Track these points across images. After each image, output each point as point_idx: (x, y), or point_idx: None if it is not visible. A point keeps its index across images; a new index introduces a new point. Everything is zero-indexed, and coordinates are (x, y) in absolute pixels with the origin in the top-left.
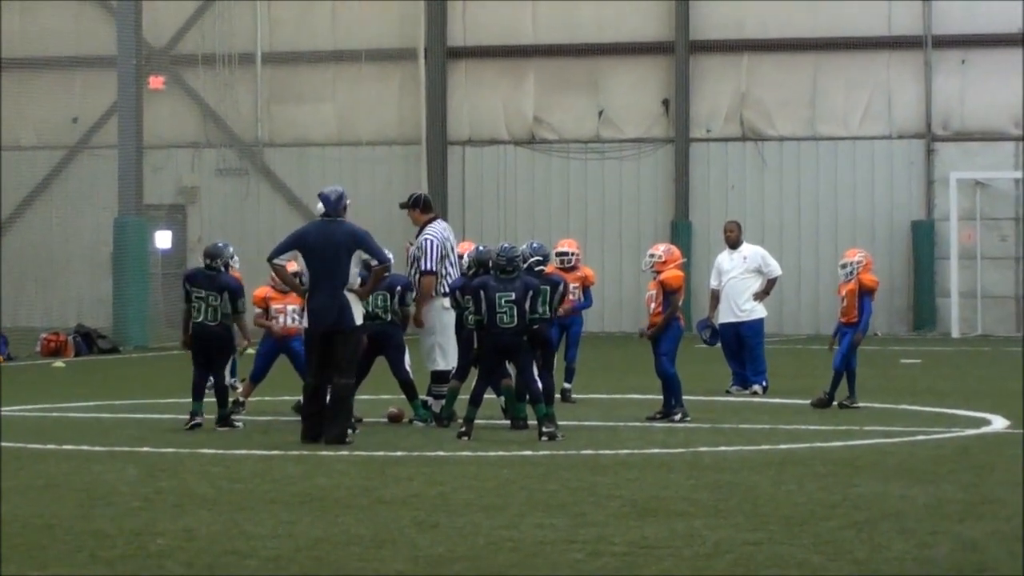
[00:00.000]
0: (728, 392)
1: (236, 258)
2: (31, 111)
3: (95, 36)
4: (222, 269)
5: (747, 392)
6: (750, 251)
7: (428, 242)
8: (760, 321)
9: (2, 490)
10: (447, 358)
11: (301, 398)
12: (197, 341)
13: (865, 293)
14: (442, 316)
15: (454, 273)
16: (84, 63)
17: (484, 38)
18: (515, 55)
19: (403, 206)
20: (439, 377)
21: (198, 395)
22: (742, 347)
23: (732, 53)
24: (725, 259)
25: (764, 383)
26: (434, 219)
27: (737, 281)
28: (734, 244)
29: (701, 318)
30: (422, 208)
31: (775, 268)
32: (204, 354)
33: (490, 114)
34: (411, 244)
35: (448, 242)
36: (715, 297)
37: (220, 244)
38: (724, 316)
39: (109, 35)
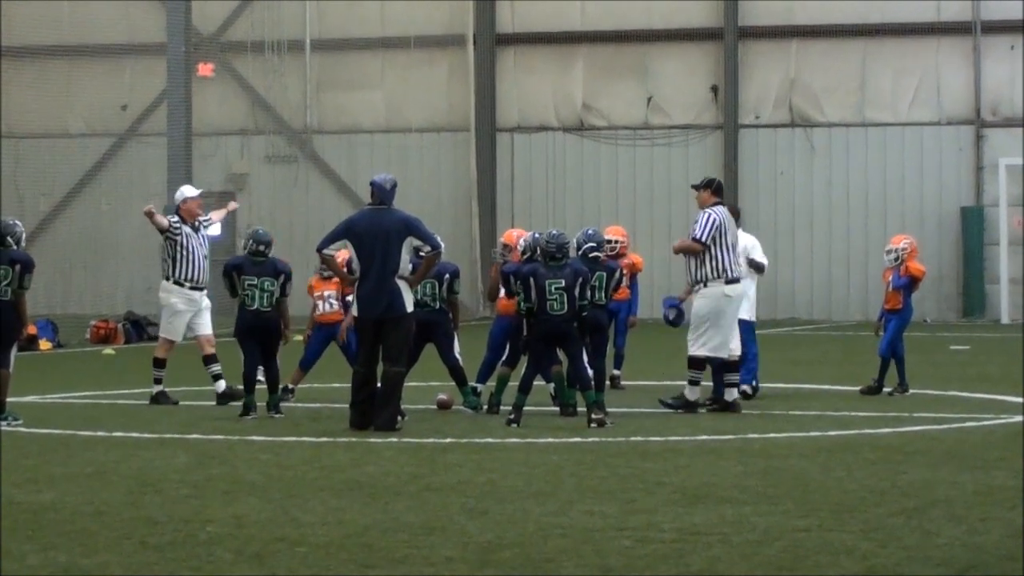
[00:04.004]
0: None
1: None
2: (80, 98)
3: (145, 23)
4: (271, 254)
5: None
6: (744, 240)
7: (707, 215)
8: (750, 323)
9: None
10: (709, 344)
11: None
12: (252, 329)
13: (910, 280)
14: (718, 302)
15: (728, 258)
16: (134, 50)
17: (533, 24)
18: (564, 41)
19: (696, 187)
20: (694, 363)
21: (251, 387)
22: None
23: (781, 39)
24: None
25: (755, 383)
26: (719, 204)
27: None
28: None
29: (669, 296)
30: (713, 191)
31: (762, 259)
32: (259, 342)
33: (539, 101)
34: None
35: (726, 224)
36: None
37: (260, 230)
38: None
39: (158, 22)
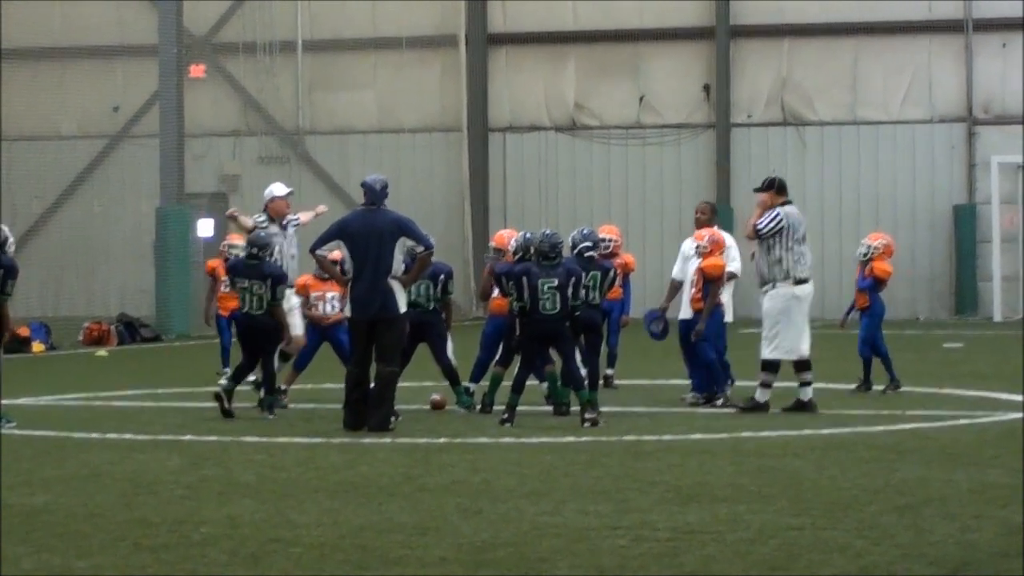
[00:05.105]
0: (683, 400)
1: (278, 248)
2: (72, 100)
3: (136, 25)
4: (267, 258)
5: (714, 401)
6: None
7: (774, 211)
8: (724, 326)
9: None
10: (781, 347)
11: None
12: (245, 331)
13: (875, 281)
14: (787, 303)
15: (794, 258)
16: (125, 52)
17: (525, 24)
18: (556, 41)
19: (757, 190)
20: (799, 366)
21: (237, 377)
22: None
23: (773, 38)
24: (690, 245)
25: (727, 390)
26: (787, 203)
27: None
28: (703, 228)
29: (651, 308)
30: (776, 190)
31: (736, 264)
32: (253, 344)
33: (531, 100)
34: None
35: (796, 222)
36: (674, 288)
37: (264, 234)
38: (684, 311)
39: (150, 24)
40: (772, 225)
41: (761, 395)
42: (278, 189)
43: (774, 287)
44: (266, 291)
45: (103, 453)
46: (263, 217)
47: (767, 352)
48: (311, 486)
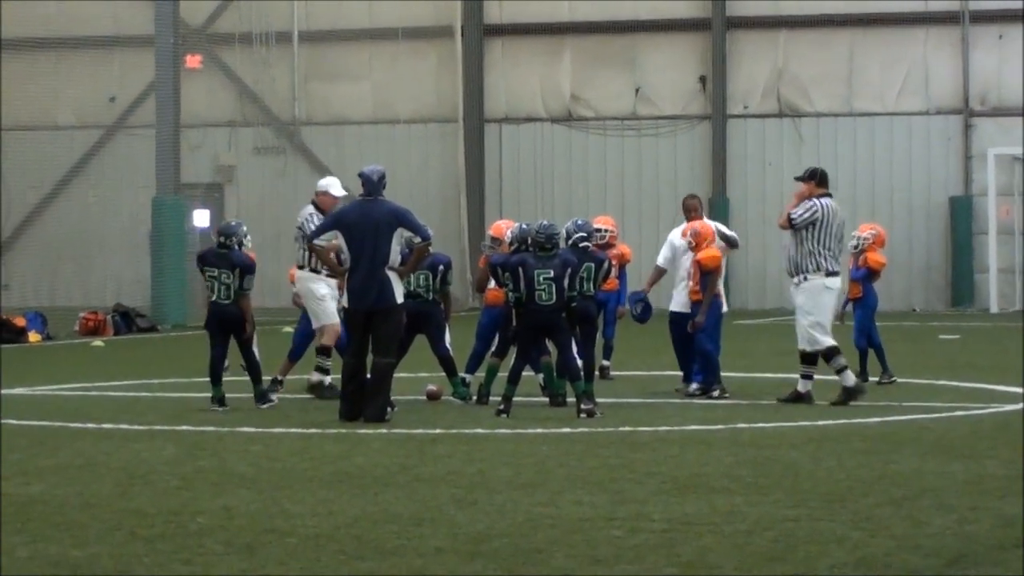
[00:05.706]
0: (678, 391)
1: (249, 237)
2: (68, 90)
3: (133, 15)
4: (235, 247)
5: (710, 392)
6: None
7: (810, 202)
8: (720, 317)
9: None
10: (824, 335)
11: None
12: (214, 321)
13: (868, 272)
14: (819, 295)
15: (827, 251)
16: (121, 42)
17: (521, 15)
18: (552, 32)
19: (799, 179)
20: (807, 359)
21: (216, 379)
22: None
23: (769, 29)
24: (679, 236)
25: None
26: (826, 195)
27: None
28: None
29: (633, 291)
30: (818, 181)
31: (731, 238)
32: (223, 333)
33: (527, 92)
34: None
35: (831, 214)
36: (658, 274)
37: (233, 223)
38: (676, 304)
39: (146, 14)
40: (807, 216)
41: (846, 379)
42: (335, 188)
43: (806, 279)
44: (234, 280)
45: (98, 443)
46: (312, 209)
47: (819, 343)
48: (306, 476)
